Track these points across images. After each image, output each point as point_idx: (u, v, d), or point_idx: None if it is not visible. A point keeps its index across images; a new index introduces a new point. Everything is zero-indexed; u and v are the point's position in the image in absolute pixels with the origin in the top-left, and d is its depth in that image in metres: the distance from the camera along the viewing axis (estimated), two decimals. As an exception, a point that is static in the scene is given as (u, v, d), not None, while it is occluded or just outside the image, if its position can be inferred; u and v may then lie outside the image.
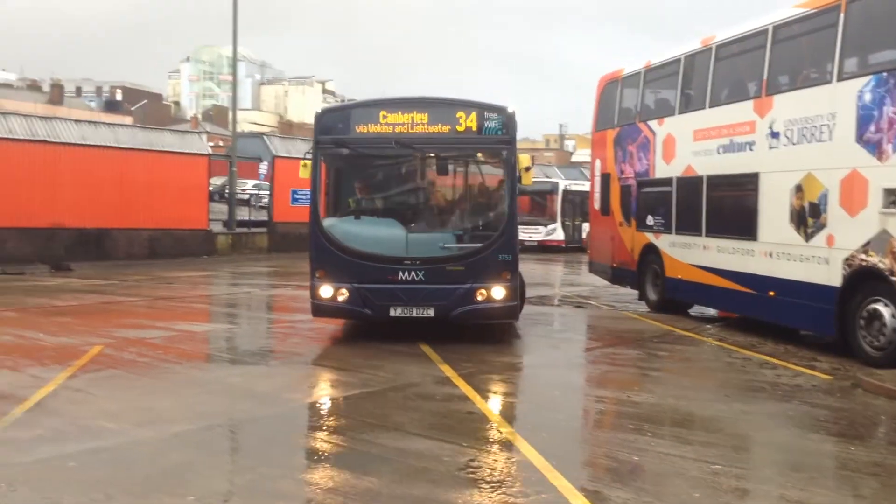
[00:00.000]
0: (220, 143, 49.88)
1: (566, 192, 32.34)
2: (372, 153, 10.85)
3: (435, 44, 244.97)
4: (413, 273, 10.08)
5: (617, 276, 15.60)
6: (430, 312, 10.19)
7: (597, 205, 16.36)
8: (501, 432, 6.44)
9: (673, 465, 5.70)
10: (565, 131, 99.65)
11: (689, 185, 12.75)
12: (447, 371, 8.84)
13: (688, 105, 13.10)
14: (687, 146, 12.86)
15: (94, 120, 29.33)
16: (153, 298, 15.63)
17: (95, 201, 22.97)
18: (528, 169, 10.38)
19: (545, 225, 31.65)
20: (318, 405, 7.30)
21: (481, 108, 10.37)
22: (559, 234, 31.97)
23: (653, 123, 13.95)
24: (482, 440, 6.41)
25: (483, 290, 10.15)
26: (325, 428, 6.71)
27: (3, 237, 21.20)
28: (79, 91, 74.28)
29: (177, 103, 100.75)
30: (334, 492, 5.07)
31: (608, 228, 15.65)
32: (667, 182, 13.41)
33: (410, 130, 10.30)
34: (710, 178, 12.27)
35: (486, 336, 11.87)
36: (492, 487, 5.16)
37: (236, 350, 10.81)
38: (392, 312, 10.21)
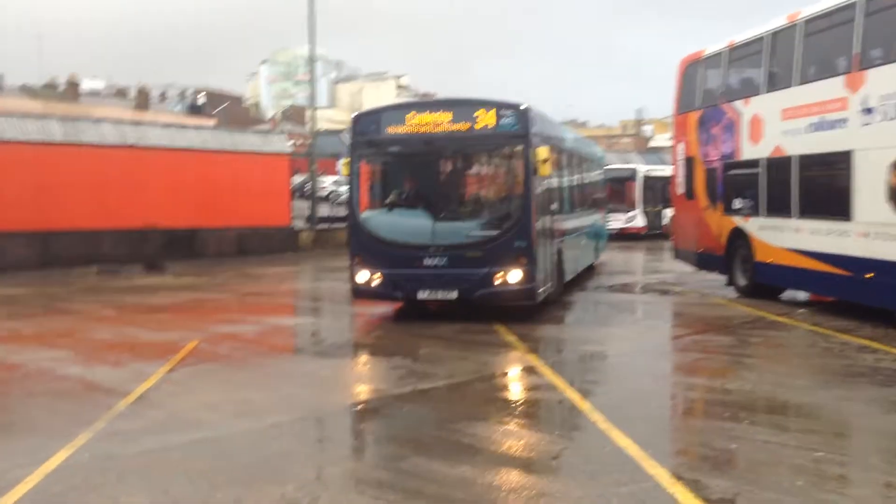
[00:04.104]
0: (300, 142, 50.83)
1: (646, 178, 31.70)
2: (401, 151, 11.79)
3: (507, 35, 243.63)
4: (437, 259, 10.95)
5: (703, 261, 15.24)
6: (454, 295, 11.00)
7: (680, 189, 16.01)
8: (592, 421, 6.37)
9: (773, 452, 5.54)
10: (643, 116, 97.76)
11: (779, 165, 12.36)
12: (533, 360, 8.82)
13: (774, 83, 12.68)
14: (775, 126, 12.45)
15: (180, 123, 30.27)
16: (242, 294, 16.08)
17: (185, 202, 23.73)
18: (544, 161, 10.95)
19: (625, 212, 31.11)
20: (406, 396, 7.37)
21: (498, 106, 11.05)
22: (639, 221, 31.39)
23: (738, 104, 13.56)
24: (573, 429, 6.38)
25: (501, 274, 10.86)
26: (414, 418, 6.77)
27: (100, 239, 22.12)
28: (163, 96, 76.63)
29: (256, 105, 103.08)
30: (429, 480, 5.11)
31: (693, 213, 15.30)
32: (754, 163, 13.02)
33: (435, 129, 11.14)
34: (800, 157, 11.86)
35: (571, 325, 11.82)
36: (587, 476, 5.11)
37: (324, 343, 11.01)
38: (420, 295, 11.11)
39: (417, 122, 11.21)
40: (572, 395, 7.24)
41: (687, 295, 14.53)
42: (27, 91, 49.51)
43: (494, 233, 11.02)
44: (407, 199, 11.92)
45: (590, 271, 17.88)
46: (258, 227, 25.38)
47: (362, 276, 11.39)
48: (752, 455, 5.55)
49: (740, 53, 13.79)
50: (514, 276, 10.88)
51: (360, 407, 7.20)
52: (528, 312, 11.66)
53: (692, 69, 15.35)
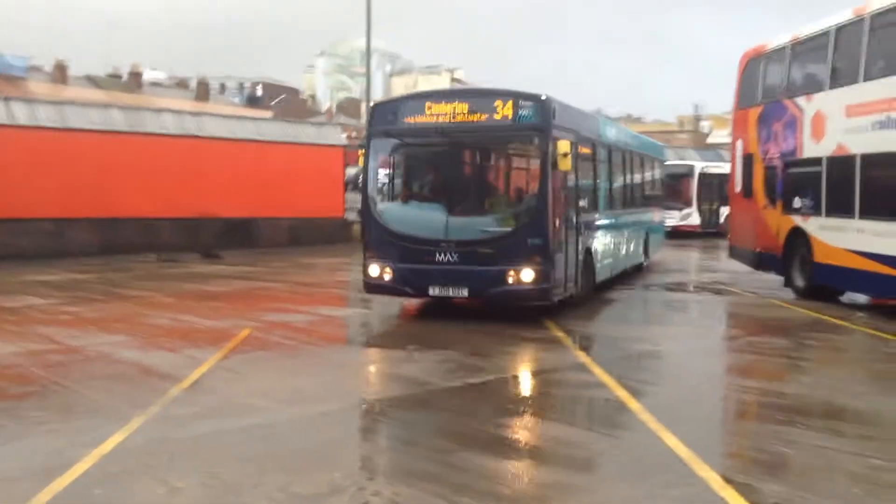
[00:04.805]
0: (354, 135, 51.22)
1: (702, 175, 31.18)
2: (417, 142, 11.42)
3: (560, 28, 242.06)
4: (448, 255, 10.56)
5: (760, 261, 14.93)
6: (465, 293, 10.66)
7: (738, 187, 15.70)
8: (642, 421, 6.28)
9: (828, 458, 5.41)
10: (700, 112, 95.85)
11: (841, 164, 12.02)
12: (583, 358, 8.75)
13: (839, 79, 12.33)
14: (838, 123, 12.12)
15: (238, 115, 30.76)
16: (295, 284, 16.30)
17: (241, 192, 24.15)
18: (565, 155, 10.42)
19: (680, 209, 30.61)
20: (455, 389, 7.38)
21: (516, 97, 10.58)
22: (695, 219, 30.90)
23: (800, 100, 13.23)
24: (622, 428, 6.29)
25: (513, 273, 10.40)
26: (463, 412, 6.75)
27: (159, 227, 22.65)
28: (222, 88, 77.84)
29: (312, 97, 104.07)
30: (477, 475, 5.10)
31: (750, 211, 14.99)
32: (816, 162, 12.69)
33: (452, 120, 10.76)
34: (864, 156, 11.52)
35: (622, 323, 11.69)
36: (635, 477, 5.05)
37: (373, 334, 11.09)
38: (430, 291, 10.78)
39: (434, 113, 10.83)
40: (622, 393, 7.15)
41: (742, 295, 14.25)
42: (91, 80, 50.78)
43: (508, 229, 10.66)
44: (421, 191, 11.69)
45: (638, 270, 17.55)
46: (311, 218, 25.71)
47: (374, 269, 11.10)
48: (806, 460, 5.42)
49: (803, 48, 13.45)
50: (527, 274, 10.37)
51: (408, 399, 7.22)
52: (578, 309, 11.58)
53: (753, 64, 15.03)
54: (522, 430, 6.12)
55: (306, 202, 25.46)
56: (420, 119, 10.99)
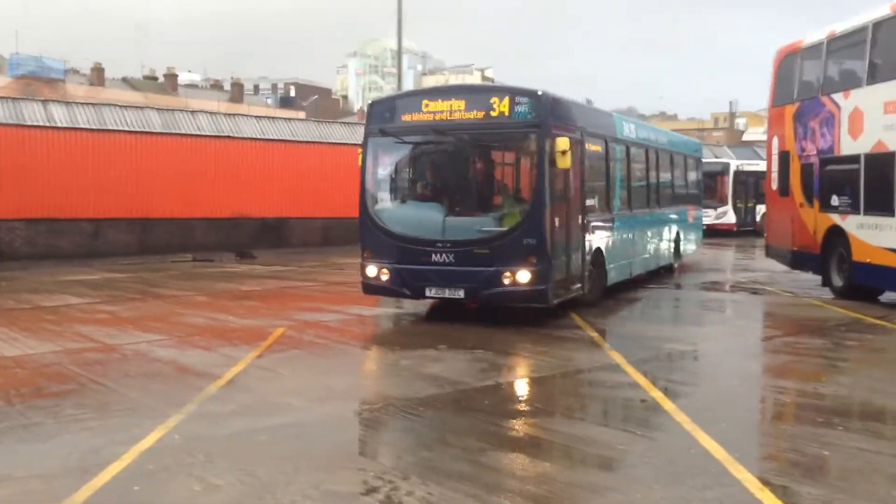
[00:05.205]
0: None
1: (738, 173, 30.83)
2: (413, 140, 11.22)
3: (587, 29, 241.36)
4: (444, 255, 10.43)
5: (797, 260, 14.71)
6: (461, 294, 10.53)
7: (774, 185, 15.48)
8: (677, 422, 6.23)
9: (868, 461, 5.31)
10: (736, 108, 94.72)
11: (880, 161, 11.81)
12: (616, 358, 8.68)
13: (877, 76, 12.11)
14: (876, 120, 11.90)
15: (271, 116, 31.04)
16: (327, 283, 16.39)
17: (274, 192, 24.38)
18: (563, 152, 10.10)
19: (715, 207, 30.27)
20: (487, 389, 7.37)
21: (512, 93, 10.44)
22: (730, 217, 30.56)
23: (837, 97, 13.01)
24: (657, 429, 6.24)
25: (508, 274, 10.21)
26: (495, 412, 6.74)
27: (194, 227, 22.93)
28: (256, 89, 78.53)
29: (344, 97, 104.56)
30: (509, 475, 5.11)
31: (787, 210, 14.77)
32: (854, 159, 12.48)
33: (449, 117, 10.62)
34: (904, 153, 11.32)
35: (657, 322, 11.60)
36: (670, 478, 5.01)
37: (405, 333, 11.10)
38: (427, 292, 10.68)
39: (431, 111, 10.68)
40: (656, 394, 7.10)
41: (779, 295, 14.06)
42: (128, 83, 51.55)
43: (504, 229, 10.42)
44: (417, 191, 11.55)
45: (669, 271, 17.26)
46: (342, 218, 25.75)
47: (371, 270, 11.01)
48: (845, 462, 5.33)
49: (840, 44, 13.24)
50: (523, 276, 10.15)
51: (440, 398, 7.22)
52: (608, 309, 11.51)
53: (789, 60, 14.81)
54: (555, 430, 6.09)
55: (337, 202, 25.53)
56: (416, 117, 10.84)
